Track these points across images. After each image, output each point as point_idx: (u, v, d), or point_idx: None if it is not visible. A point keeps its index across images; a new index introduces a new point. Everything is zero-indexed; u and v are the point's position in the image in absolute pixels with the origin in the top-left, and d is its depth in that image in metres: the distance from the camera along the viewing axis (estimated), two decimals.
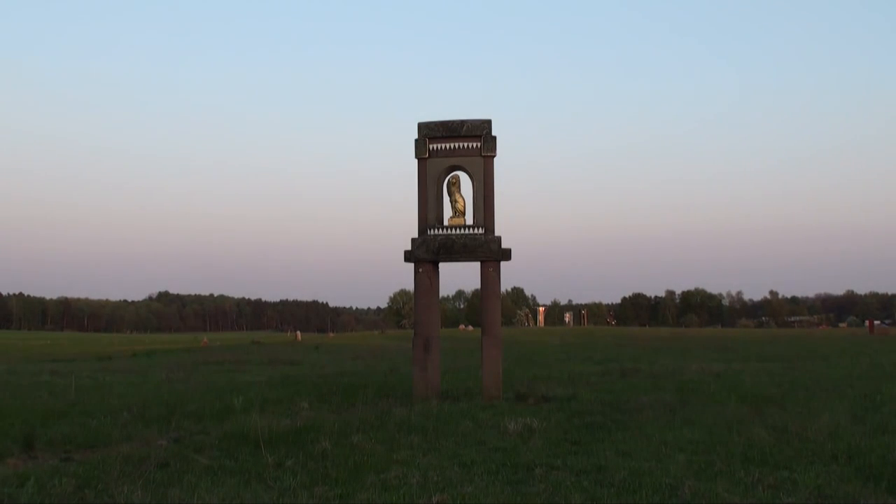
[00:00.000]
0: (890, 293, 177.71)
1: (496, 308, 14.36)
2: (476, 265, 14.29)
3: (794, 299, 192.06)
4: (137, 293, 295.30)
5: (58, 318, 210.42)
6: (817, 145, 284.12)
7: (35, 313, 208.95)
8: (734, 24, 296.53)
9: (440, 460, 8.31)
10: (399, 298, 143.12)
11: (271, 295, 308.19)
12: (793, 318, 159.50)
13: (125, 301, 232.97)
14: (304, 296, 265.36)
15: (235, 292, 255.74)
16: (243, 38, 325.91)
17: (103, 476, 7.51)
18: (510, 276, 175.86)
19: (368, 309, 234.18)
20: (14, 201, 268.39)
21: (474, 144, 14.26)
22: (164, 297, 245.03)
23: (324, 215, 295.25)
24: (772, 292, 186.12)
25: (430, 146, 14.40)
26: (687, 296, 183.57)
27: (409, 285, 15.46)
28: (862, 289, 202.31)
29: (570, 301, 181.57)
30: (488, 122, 14.28)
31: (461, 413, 11.66)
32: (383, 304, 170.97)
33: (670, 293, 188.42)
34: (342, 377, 20.45)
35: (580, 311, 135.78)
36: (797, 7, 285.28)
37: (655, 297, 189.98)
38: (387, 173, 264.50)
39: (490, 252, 14.03)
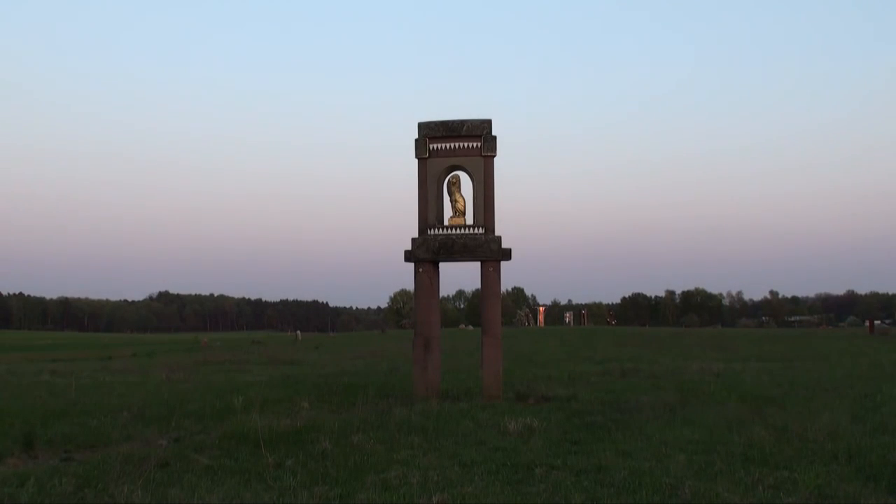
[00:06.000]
0: (890, 293, 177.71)
1: (496, 308, 14.36)
2: (476, 265, 14.29)
3: (794, 299, 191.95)
4: (137, 293, 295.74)
5: (58, 318, 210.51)
6: (818, 145, 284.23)
7: (35, 313, 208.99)
8: (754, 25, 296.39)
9: (440, 460, 8.31)
10: (399, 298, 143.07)
11: (271, 295, 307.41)
12: (793, 318, 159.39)
13: (125, 301, 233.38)
14: (304, 296, 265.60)
15: (235, 292, 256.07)
16: (244, 38, 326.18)
17: (103, 476, 7.52)
18: (510, 276, 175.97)
19: (368, 309, 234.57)
20: (14, 201, 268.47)
21: (474, 144, 14.26)
22: (164, 297, 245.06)
23: (324, 215, 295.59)
24: (772, 292, 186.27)
25: (431, 146, 14.39)
26: (687, 296, 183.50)
27: (410, 285, 15.48)
28: (862, 289, 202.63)
29: (570, 301, 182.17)
30: (488, 122, 14.28)
31: (461, 413, 11.66)
32: (383, 304, 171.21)
33: (670, 293, 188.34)
34: (342, 377, 20.44)
35: (580, 311, 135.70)
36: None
37: (655, 297, 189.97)
38: (387, 173, 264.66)
39: (490, 252, 14.03)
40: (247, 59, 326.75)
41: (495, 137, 14.24)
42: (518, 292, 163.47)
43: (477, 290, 22.33)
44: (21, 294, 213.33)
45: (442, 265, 14.65)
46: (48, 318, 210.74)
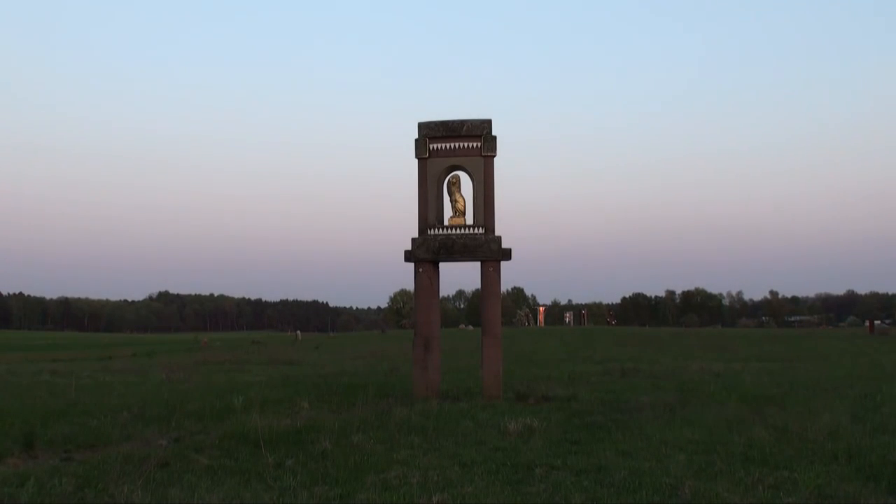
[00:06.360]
0: (890, 293, 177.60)
1: (496, 308, 14.36)
2: (476, 265, 14.29)
3: (794, 299, 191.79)
4: (137, 293, 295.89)
5: (58, 318, 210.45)
6: (818, 145, 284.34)
7: (35, 313, 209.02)
8: (755, 26, 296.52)
9: (440, 460, 8.31)
10: (399, 298, 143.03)
11: (271, 295, 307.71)
12: (793, 318, 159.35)
13: (125, 301, 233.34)
14: (304, 296, 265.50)
15: (235, 292, 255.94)
16: (244, 37, 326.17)
17: (103, 476, 7.52)
18: (510, 276, 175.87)
19: (368, 309, 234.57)
20: (14, 201, 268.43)
21: (474, 144, 14.26)
22: (164, 297, 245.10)
23: (324, 215, 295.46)
24: (772, 292, 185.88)
25: (431, 146, 14.40)
26: (687, 296, 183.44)
27: (410, 285, 15.48)
28: (862, 289, 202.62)
29: (570, 301, 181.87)
30: (488, 122, 14.28)
31: (461, 413, 11.66)
32: (383, 304, 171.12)
33: (670, 293, 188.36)
34: (342, 377, 20.46)
35: (580, 311, 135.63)
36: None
37: (655, 297, 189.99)
38: (387, 173, 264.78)
39: (490, 252, 14.03)
40: (246, 59, 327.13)
41: (495, 137, 14.24)
42: (518, 292, 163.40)
43: (477, 290, 22.35)
44: (21, 294, 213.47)
45: (442, 265, 14.65)
46: (48, 318, 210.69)
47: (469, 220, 14.36)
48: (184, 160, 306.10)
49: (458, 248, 14.14)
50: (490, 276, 14.16)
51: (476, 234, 14.18)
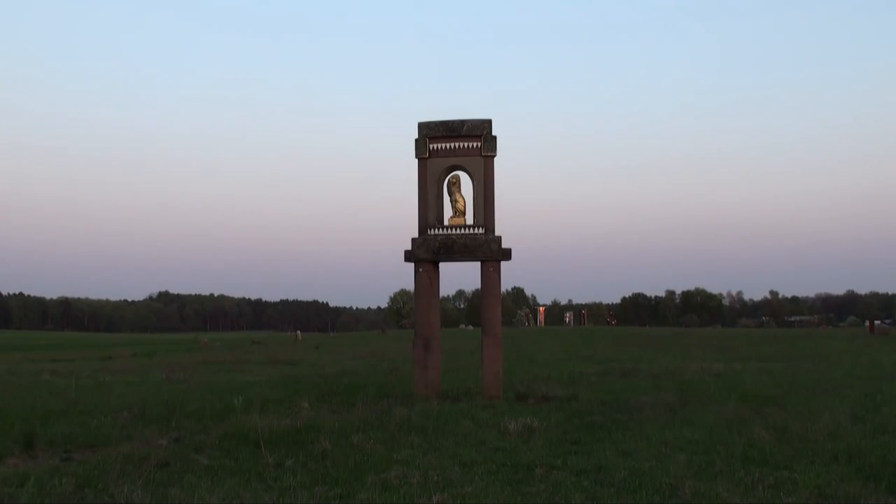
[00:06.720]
0: (890, 293, 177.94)
1: (496, 308, 14.36)
2: (476, 265, 14.30)
3: (794, 299, 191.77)
4: (137, 293, 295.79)
5: (58, 318, 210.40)
6: (819, 145, 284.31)
7: (35, 313, 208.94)
8: (756, 27, 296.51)
9: (440, 460, 8.31)
10: (399, 298, 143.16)
11: (271, 295, 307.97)
12: (793, 318, 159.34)
13: (125, 301, 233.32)
14: (305, 296, 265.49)
15: (235, 292, 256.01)
16: (244, 38, 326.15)
17: (103, 476, 7.51)
18: (510, 276, 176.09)
19: (368, 309, 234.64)
20: (14, 201, 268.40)
21: (474, 144, 14.27)
22: (164, 297, 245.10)
23: (324, 215, 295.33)
24: (772, 292, 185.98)
25: (431, 146, 14.40)
26: (687, 296, 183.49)
27: (410, 285, 15.49)
28: (862, 289, 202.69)
29: (570, 301, 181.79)
30: (488, 122, 14.29)
31: (461, 413, 11.66)
32: (383, 304, 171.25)
33: (670, 293, 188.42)
34: (342, 377, 20.46)
35: (580, 311, 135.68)
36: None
37: (655, 297, 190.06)
38: (387, 173, 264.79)
39: (490, 252, 14.03)
40: (247, 59, 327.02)
41: (495, 137, 14.24)
42: (518, 292, 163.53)
43: (477, 290, 22.38)
44: (21, 294, 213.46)
45: (442, 265, 14.65)
46: (48, 318, 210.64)
47: (469, 220, 14.36)
48: (184, 160, 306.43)
49: (458, 248, 14.14)
50: (490, 276, 14.16)
51: (476, 234, 14.19)
